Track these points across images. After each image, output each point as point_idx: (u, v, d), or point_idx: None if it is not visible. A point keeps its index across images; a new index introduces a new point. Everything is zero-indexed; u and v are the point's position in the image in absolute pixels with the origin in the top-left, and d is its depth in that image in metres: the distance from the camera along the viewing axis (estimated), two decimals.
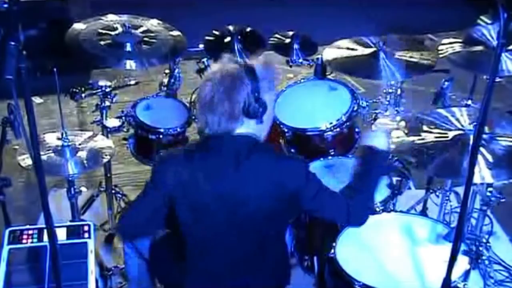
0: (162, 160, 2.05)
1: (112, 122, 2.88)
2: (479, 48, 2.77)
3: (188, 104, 3.01)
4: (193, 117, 2.91)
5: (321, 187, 1.99)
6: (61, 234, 2.03)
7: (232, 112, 1.87)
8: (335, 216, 2.04)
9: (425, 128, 2.36)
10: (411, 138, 2.32)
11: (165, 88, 3.13)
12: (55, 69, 2.33)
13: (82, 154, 2.52)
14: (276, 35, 3.24)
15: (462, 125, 2.35)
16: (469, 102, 2.90)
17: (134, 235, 2.18)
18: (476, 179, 2.08)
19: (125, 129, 2.93)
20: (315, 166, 2.61)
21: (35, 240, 2.02)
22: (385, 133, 2.15)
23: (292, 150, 2.80)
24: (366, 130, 2.23)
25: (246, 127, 1.92)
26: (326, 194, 1.99)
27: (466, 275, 2.03)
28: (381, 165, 2.10)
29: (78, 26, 2.90)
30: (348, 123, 2.76)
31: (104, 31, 2.88)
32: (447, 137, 2.30)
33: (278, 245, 2.17)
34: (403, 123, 2.41)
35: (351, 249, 2.17)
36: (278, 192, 1.93)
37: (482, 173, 2.11)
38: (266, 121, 1.97)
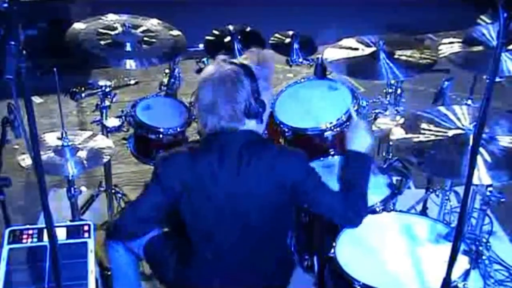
0: (165, 159, 2.02)
1: (112, 122, 2.88)
2: (479, 48, 2.76)
3: (188, 104, 3.01)
4: (193, 117, 2.91)
5: (319, 182, 2.01)
6: (61, 234, 2.02)
7: (234, 114, 1.89)
8: (331, 212, 2.04)
9: (424, 126, 2.36)
10: (410, 136, 2.32)
11: (165, 88, 3.13)
12: (55, 69, 2.33)
13: (82, 154, 2.52)
14: (276, 35, 3.24)
15: (462, 124, 2.35)
16: (469, 102, 2.90)
17: (133, 233, 2.17)
18: (475, 180, 2.08)
19: (125, 129, 2.93)
20: (315, 166, 2.60)
21: (35, 240, 2.02)
22: (367, 129, 2.17)
23: None
24: (349, 130, 2.24)
25: (247, 127, 1.93)
26: (324, 189, 2.01)
27: (466, 275, 2.02)
28: (367, 168, 2.11)
29: (78, 26, 2.90)
30: (348, 123, 2.76)
31: (104, 31, 2.89)
32: (447, 136, 2.30)
33: (280, 244, 2.18)
34: (402, 120, 2.41)
35: (351, 249, 2.16)
36: (279, 185, 1.94)
37: (481, 175, 2.11)
38: (265, 120, 1.98)
